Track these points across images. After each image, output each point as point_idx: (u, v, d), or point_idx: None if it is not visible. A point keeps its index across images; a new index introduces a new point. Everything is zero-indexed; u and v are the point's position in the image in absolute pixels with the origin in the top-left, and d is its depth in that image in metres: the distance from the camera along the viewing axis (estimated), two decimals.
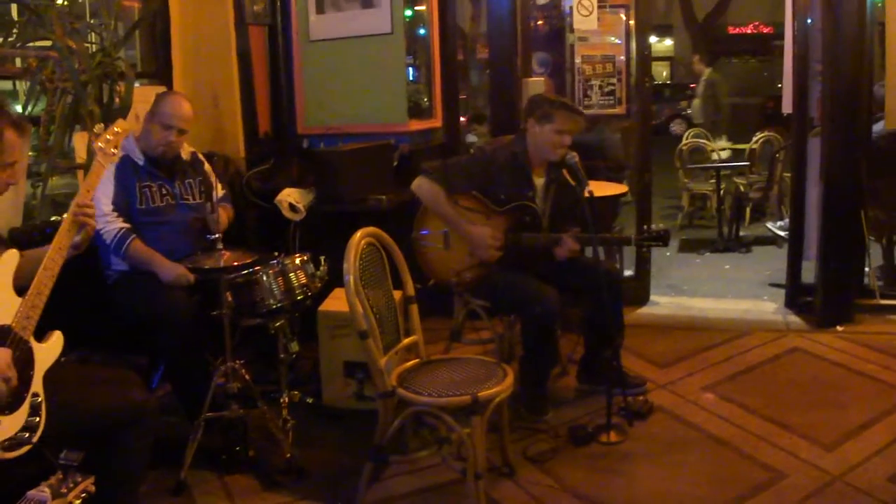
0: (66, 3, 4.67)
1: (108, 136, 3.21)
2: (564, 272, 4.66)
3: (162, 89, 5.29)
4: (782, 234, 8.13)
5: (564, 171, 4.63)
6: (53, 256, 2.93)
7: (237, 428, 4.12)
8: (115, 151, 3.24)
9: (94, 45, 4.69)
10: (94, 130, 3.25)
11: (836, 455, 4.11)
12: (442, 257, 4.76)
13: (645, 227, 4.69)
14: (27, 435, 2.73)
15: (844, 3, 5.69)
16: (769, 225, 8.98)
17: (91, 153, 3.26)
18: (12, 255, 2.95)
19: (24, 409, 2.76)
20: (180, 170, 4.56)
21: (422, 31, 6.89)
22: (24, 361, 2.79)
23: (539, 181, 4.78)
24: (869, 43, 6.02)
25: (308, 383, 4.89)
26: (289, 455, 4.08)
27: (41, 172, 4.46)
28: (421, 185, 4.70)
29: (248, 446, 4.15)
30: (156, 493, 3.87)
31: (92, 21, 5.07)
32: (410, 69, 7.13)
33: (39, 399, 2.82)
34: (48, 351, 2.92)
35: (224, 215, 4.54)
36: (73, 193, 4.78)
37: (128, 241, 4.21)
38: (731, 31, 32.52)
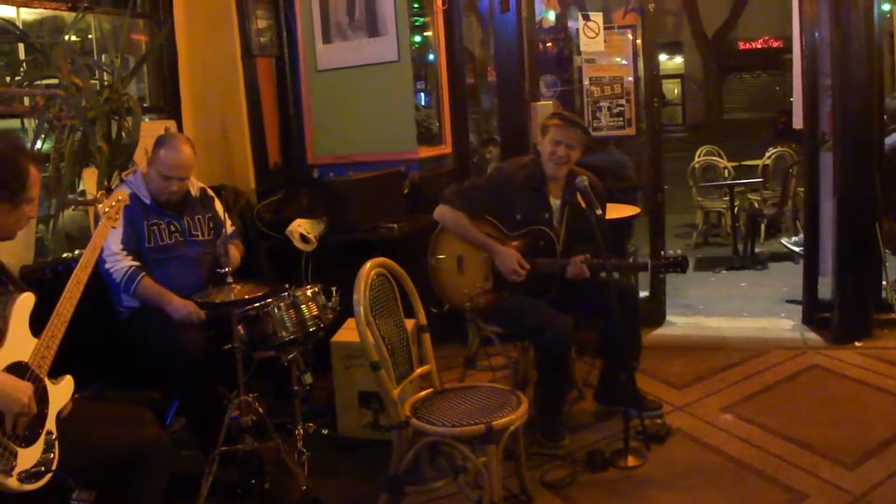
0: (72, 38, 4.70)
1: (112, 203, 3.40)
2: (578, 295, 4.63)
3: (171, 123, 5.32)
4: (797, 249, 8.09)
5: (577, 194, 4.62)
6: (65, 303, 2.98)
7: (252, 461, 4.09)
8: (118, 218, 3.43)
9: (106, 80, 4.71)
10: (97, 196, 3.53)
11: (857, 474, 4.07)
12: (456, 281, 4.76)
13: (662, 253, 4.65)
14: (43, 469, 2.74)
15: (852, 16, 5.66)
16: (784, 241, 8.95)
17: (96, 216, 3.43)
18: (29, 298, 2.98)
19: (40, 444, 2.79)
20: (189, 206, 4.55)
21: (431, 57, 6.90)
22: (40, 399, 2.82)
23: (555, 202, 4.77)
24: (878, 54, 6.00)
25: (323, 414, 4.87)
26: (305, 487, 4.05)
27: (52, 209, 4.47)
28: (443, 213, 4.72)
29: (263, 479, 4.11)
30: None
31: (103, 56, 5.10)
32: (422, 94, 7.14)
33: (53, 436, 2.84)
34: (61, 391, 2.95)
35: (236, 254, 4.54)
36: (83, 228, 4.82)
37: (137, 279, 4.21)
38: (742, 46, 32.50)
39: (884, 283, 6.28)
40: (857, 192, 5.88)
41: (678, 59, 33.53)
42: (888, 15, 6.15)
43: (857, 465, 4.15)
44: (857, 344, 5.87)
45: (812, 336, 6.14)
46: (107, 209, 3.36)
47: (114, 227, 3.43)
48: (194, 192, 4.60)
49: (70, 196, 4.48)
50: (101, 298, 4.31)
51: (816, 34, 6.06)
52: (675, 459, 4.37)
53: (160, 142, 4.41)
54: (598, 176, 4.88)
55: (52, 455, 2.80)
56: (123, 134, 4.64)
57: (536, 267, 4.62)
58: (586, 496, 4.06)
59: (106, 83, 4.73)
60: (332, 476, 4.38)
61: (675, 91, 34.50)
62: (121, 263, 4.22)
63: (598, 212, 4.36)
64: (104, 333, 4.29)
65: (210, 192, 4.76)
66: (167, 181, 4.36)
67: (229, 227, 4.64)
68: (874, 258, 6.05)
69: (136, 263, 4.26)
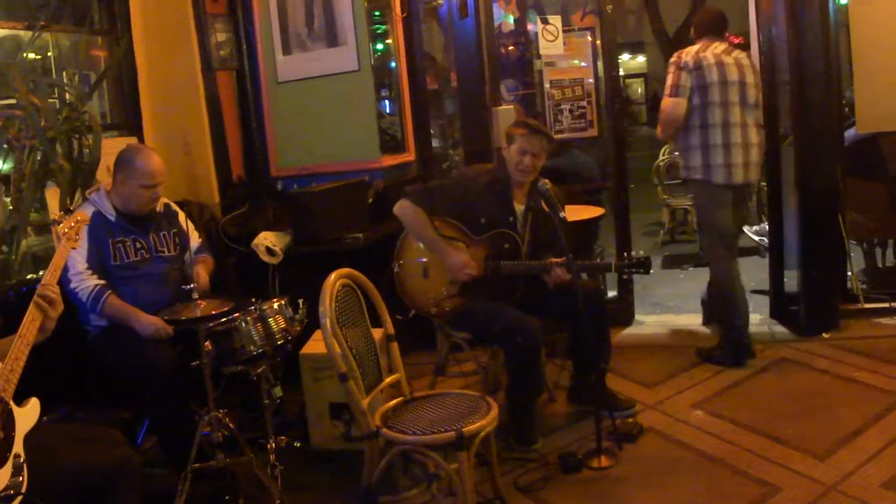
0: (30, 56, 4.67)
1: (71, 223, 3.38)
2: (545, 298, 4.65)
3: (132, 140, 5.29)
4: (757, 238, 8.15)
5: (541, 200, 4.64)
6: (28, 325, 2.97)
7: (225, 477, 4.08)
8: (78, 238, 3.43)
9: (68, 97, 4.69)
10: (55, 217, 3.44)
11: (829, 464, 4.11)
12: (421, 287, 4.76)
13: (626, 254, 4.68)
14: (12, 492, 2.72)
15: (807, 10, 5.72)
16: (745, 229, 8.99)
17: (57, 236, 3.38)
18: None
19: (8, 468, 2.76)
20: (154, 222, 4.52)
21: (394, 65, 6.91)
22: (5, 423, 2.80)
23: (520, 207, 4.78)
24: (835, 48, 6.05)
25: (295, 427, 4.86)
26: (279, 501, 4.03)
27: (14, 231, 4.44)
28: (403, 208, 4.70)
29: (237, 495, 4.10)
30: None
31: (64, 74, 5.07)
32: (387, 102, 7.13)
33: (21, 460, 2.81)
34: (27, 415, 2.92)
35: (204, 272, 4.50)
36: (49, 248, 4.78)
37: (103, 297, 4.18)
38: None
39: (849, 273, 6.33)
40: (819, 184, 5.93)
41: (641, 59, 33.71)
42: (845, 8, 6.18)
43: (828, 456, 4.19)
44: (824, 335, 5.92)
45: (780, 329, 6.19)
46: (66, 230, 3.34)
47: (74, 248, 3.43)
48: (159, 207, 4.57)
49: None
50: (68, 319, 4.27)
51: (773, 30, 6.10)
52: (647, 458, 4.40)
53: (128, 155, 4.37)
54: (562, 178, 4.90)
55: (20, 478, 2.77)
56: (85, 152, 4.62)
57: (504, 270, 4.63)
58: (561, 498, 4.06)
59: (68, 100, 4.70)
60: (306, 489, 4.36)
61: (639, 90, 34.67)
62: (86, 283, 4.18)
63: (562, 215, 4.37)
64: (72, 354, 4.26)
65: (174, 206, 4.73)
66: (150, 189, 4.34)
67: (195, 240, 4.63)
68: (839, 249, 6.11)
69: (102, 282, 4.22)
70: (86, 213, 4.07)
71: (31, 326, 2.97)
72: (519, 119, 5.17)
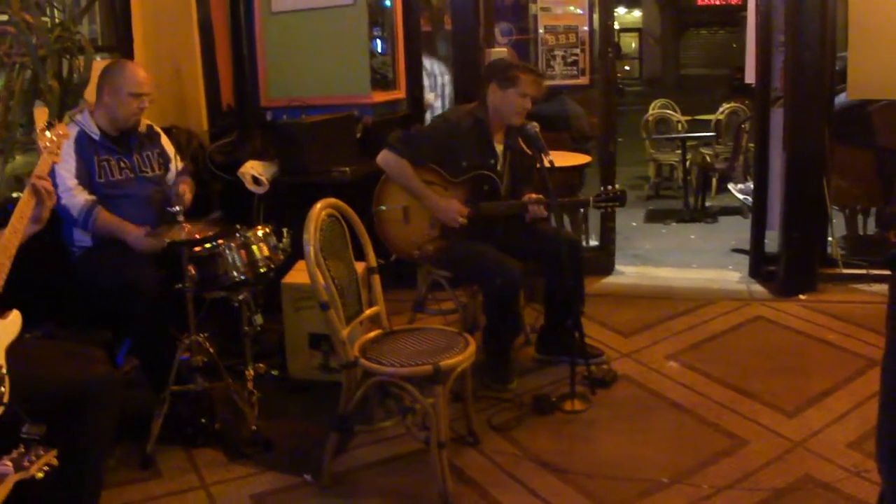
0: None
1: (52, 138, 3.23)
2: (525, 241, 4.68)
3: None
4: (742, 197, 8.21)
5: (519, 139, 4.65)
6: (14, 230, 2.93)
7: (203, 401, 4.11)
8: (59, 152, 3.27)
9: (57, 17, 4.64)
10: (38, 128, 3.32)
11: (797, 422, 4.17)
12: (403, 231, 4.77)
13: (602, 188, 4.70)
14: None
15: None
16: (730, 186, 9.05)
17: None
18: None
19: None
20: (137, 142, 4.49)
21: (388, 2, 6.87)
22: None
23: (499, 147, 4.79)
24: (832, 12, 6.04)
25: (273, 356, 4.88)
26: (254, 427, 4.08)
27: (2, 149, 4.42)
28: (387, 160, 4.69)
29: (214, 419, 4.14)
30: (123, 466, 3.86)
31: None
32: (378, 41, 7.10)
33: (3, 370, 2.80)
34: (7, 327, 2.91)
35: (189, 191, 4.48)
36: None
37: (95, 212, 4.16)
38: (700, 2, 32.57)
39: (829, 238, 6.38)
40: (806, 148, 5.95)
41: (636, 13, 33.58)
42: None
43: (796, 413, 4.25)
44: (801, 297, 5.98)
45: (758, 288, 6.25)
46: (47, 144, 3.21)
47: (56, 162, 3.29)
48: (141, 128, 4.54)
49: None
50: (53, 237, 4.27)
51: None
52: (619, 404, 4.46)
53: (114, 68, 4.35)
54: (551, 125, 4.90)
55: (2, 389, 2.77)
56: (75, 74, 4.58)
57: (484, 210, 4.65)
58: (532, 438, 4.11)
59: (57, 21, 4.66)
60: (282, 416, 4.40)
61: (633, 45, 34.57)
62: (77, 198, 4.15)
63: (549, 160, 4.38)
64: (56, 273, 4.26)
65: (157, 128, 4.69)
66: (138, 99, 4.29)
67: (179, 163, 4.61)
68: (821, 214, 6.15)
69: (93, 197, 4.20)
70: (70, 131, 4.06)
71: (12, 237, 2.92)
72: (521, 63, 5.14)
